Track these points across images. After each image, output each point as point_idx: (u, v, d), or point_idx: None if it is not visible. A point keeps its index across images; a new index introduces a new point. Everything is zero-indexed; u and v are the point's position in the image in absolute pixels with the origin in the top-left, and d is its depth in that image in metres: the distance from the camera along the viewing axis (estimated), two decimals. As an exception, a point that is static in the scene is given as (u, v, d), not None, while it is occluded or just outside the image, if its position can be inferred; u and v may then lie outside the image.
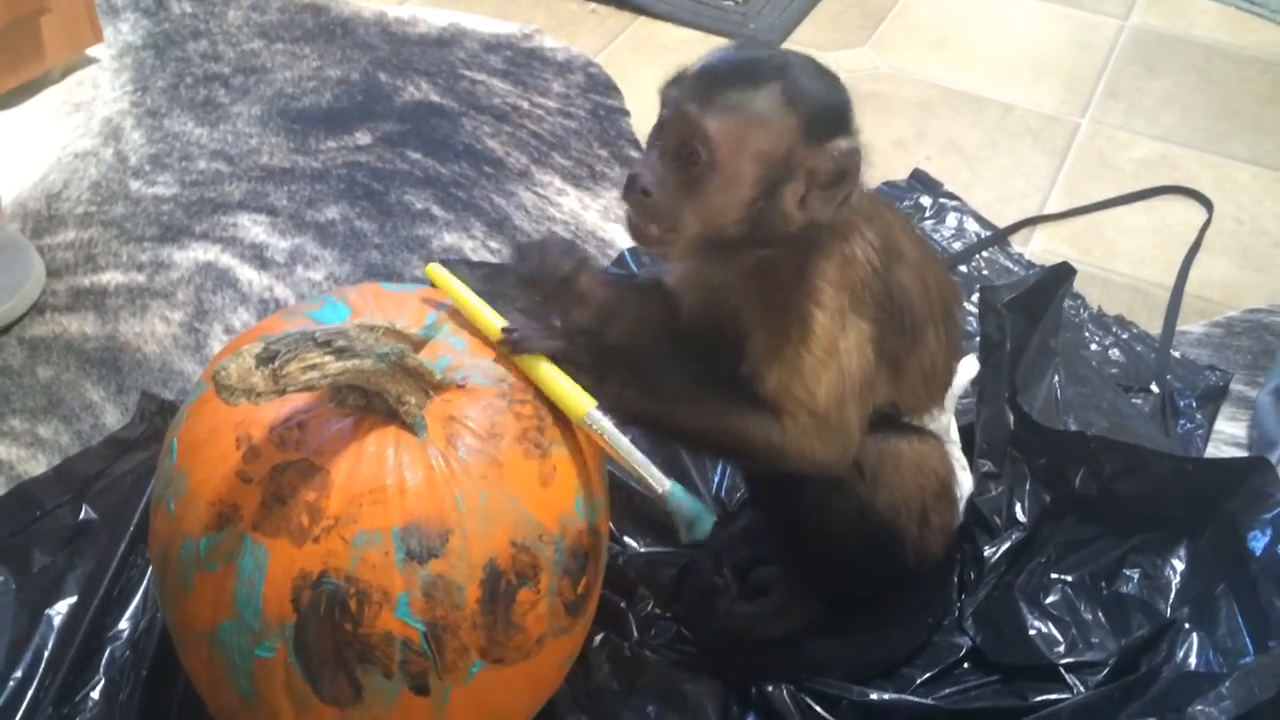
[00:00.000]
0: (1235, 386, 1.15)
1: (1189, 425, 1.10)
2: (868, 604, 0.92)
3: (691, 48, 1.63)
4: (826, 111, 0.73)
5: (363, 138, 1.44)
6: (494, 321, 0.78)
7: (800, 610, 0.92)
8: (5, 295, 1.17)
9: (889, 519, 0.85)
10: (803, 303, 0.76)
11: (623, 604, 0.93)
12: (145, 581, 0.94)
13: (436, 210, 1.34)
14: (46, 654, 0.89)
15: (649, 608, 0.94)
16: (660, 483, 0.74)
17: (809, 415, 0.76)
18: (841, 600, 0.92)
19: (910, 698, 0.87)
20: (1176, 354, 1.18)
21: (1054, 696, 0.85)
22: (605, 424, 0.74)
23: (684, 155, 0.72)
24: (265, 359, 0.65)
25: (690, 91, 0.71)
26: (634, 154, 1.44)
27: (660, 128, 0.73)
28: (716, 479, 1.04)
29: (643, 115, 1.51)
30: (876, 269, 0.77)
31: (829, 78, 0.75)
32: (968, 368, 0.95)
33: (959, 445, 0.97)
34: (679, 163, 0.72)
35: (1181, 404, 1.11)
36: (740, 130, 0.70)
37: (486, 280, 1.20)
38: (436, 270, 0.82)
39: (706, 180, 0.71)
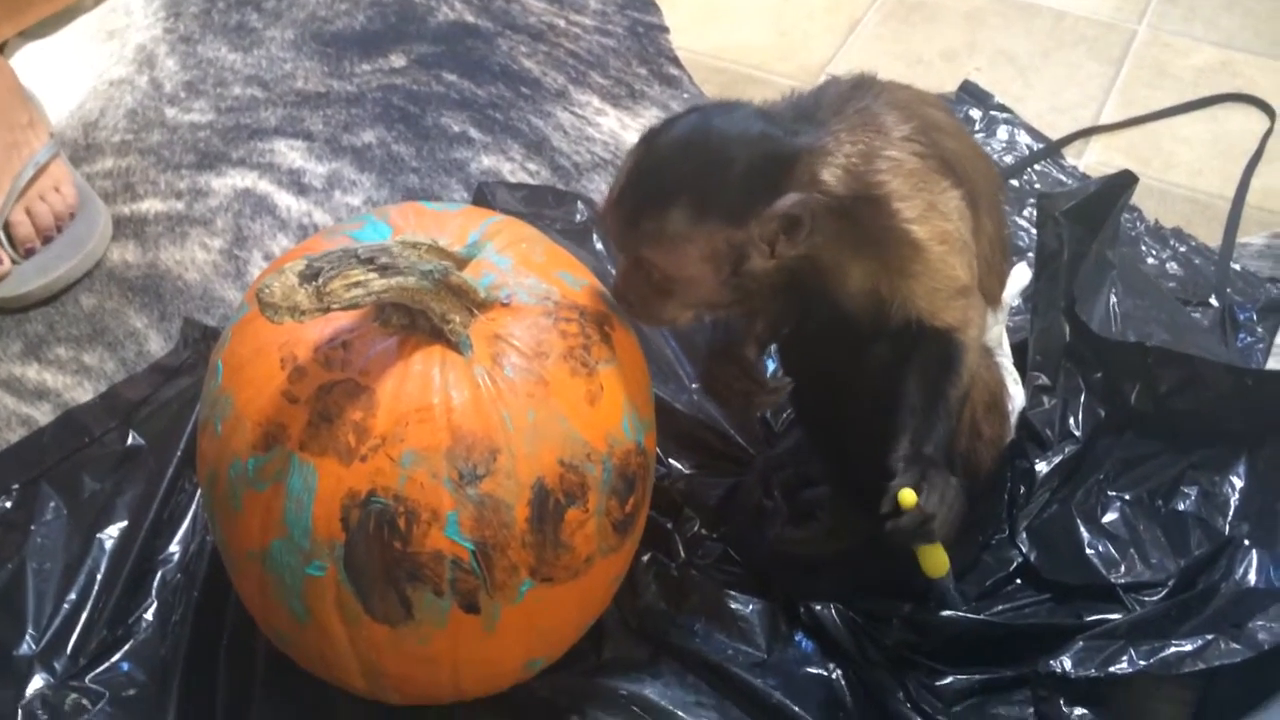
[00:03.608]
0: (1297, 299, 1.11)
1: (1249, 339, 1.07)
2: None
3: (731, -40, 1.58)
4: (747, 192, 0.71)
5: (397, 60, 1.42)
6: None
7: (849, 531, 0.91)
8: (69, 253, 1.14)
9: None
10: (891, 227, 0.74)
11: (669, 525, 0.93)
12: (194, 506, 0.95)
13: (474, 133, 1.32)
14: (99, 577, 0.90)
15: (695, 529, 0.93)
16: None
17: (965, 299, 0.78)
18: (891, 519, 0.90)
19: (961, 613, 0.86)
20: (1237, 266, 1.14)
21: (1109, 616, 0.84)
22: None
23: (643, 271, 0.75)
24: (309, 276, 0.64)
25: (619, 221, 0.74)
26: (674, 71, 1.41)
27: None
28: (762, 399, 1.03)
29: (682, 30, 1.47)
30: (922, 152, 0.75)
31: (748, 141, 0.72)
32: (1018, 276, 0.93)
33: (1010, 358, 0.95)
34: (642, 275, 0.75)
35: (1242, 317, 1.08)
36: (672, 249, 0.73)
37: (525, 202, 1.18)
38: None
39: (671, 287, 0.75)
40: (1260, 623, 0.77)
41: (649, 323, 0.80)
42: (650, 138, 0.75)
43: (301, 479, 0.69)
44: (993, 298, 0.84)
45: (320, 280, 0.65)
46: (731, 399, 0.83)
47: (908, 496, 0.75)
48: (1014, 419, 0.92)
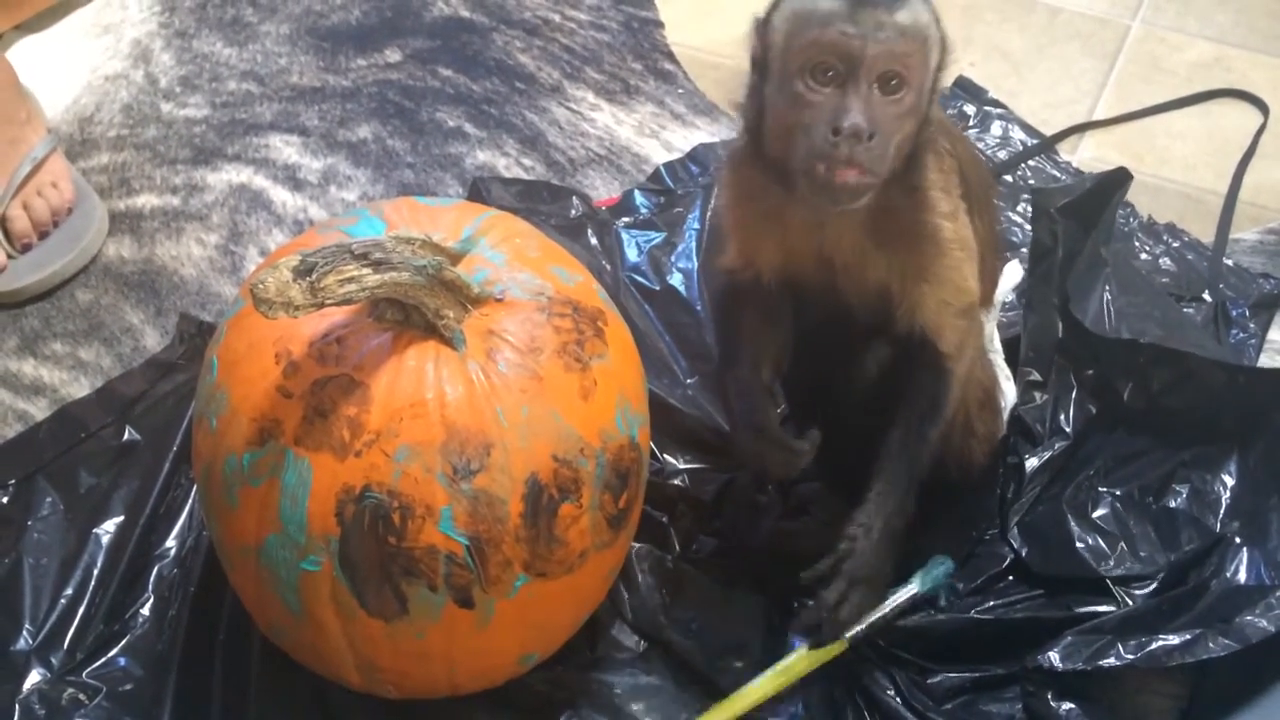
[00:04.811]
0: (1290, 295, 1.12)
1: (1241, 335, 1.07)
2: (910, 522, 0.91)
3: (726, -45, 1.58)
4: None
5: (393, 55, 1.42)
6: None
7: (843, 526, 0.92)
8: (66, 248, 1.14)
9: None
10: (924, 221, 0.75)
11: (664, 519, 0.93)
12: (190, 501, 0.95)
13: (469, 128, 1.32)
14: (96, 572, 0.90)
15: (690, 523, 0.94)
16: (909, 590, 0.84)
17: (967, 321, 0.78)
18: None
19: (951, 613, 0.86)
20: (1229, 262, 1.15)
21: (1100, 609, 0.85)
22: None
23: (889, 85, 0.68)
24: (302, 272, 0.64)
25: (876, 16, 0.67)
26: (669, 67, 1.41)
27: (844, 58, 0.67)
28: (756, 395, 1.03)
29: (676, 26, 1.47)
30: (950, 150, 0.76)
31: None
32: (1010, 274, 0.93)
33: (1002, 355, 0.95)
34: (885, 94, 0.68)
35: (1234, 313, 1.08)
36: (925, 46, 0.69)
37: (520, 198, 1.18)
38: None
39: (907, 106, 0.69)
40: (1249, 617, 0.78)
41: (855, 176, 0.69)
42: None
43: (296, 474, 0.69)
44: (983, 298, 0.85)
45: (314, 276, 0.65)
46: (772, 469, 0.83)
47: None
48: (1005, 415, 0.93)
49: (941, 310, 0.77)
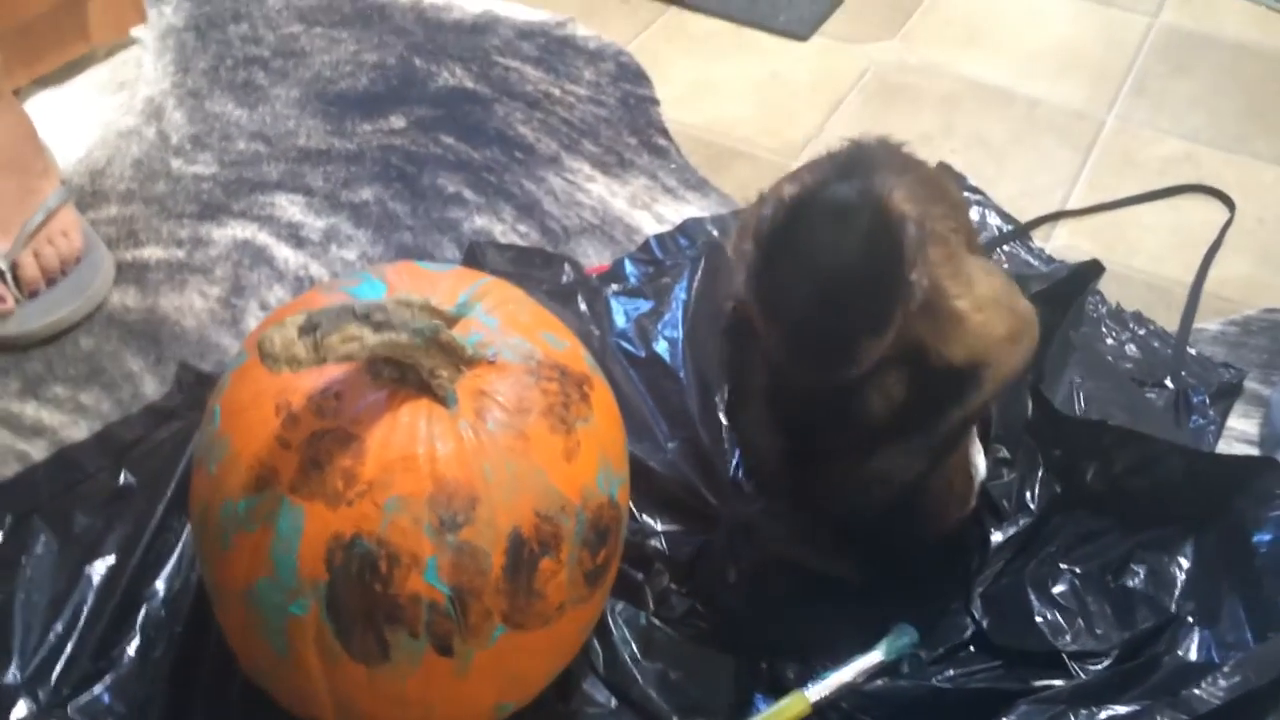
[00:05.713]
0: (1249, 384, 1.16)
1: (1201, 421, 1.11)
2: (878, 588, 0.94)
3: (721, 38, 1.65)
4: (895, 286, 0.75)
5: (397, 121, 1.47)
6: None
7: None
8: (72, 296, 1.18)
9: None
10: (940, 305, 0.80)
11: (640, 577, 0.96)
12: (180, 545, 0.98)
13: (468, 194, 1.37)
14: (85, 611, 0.93)
15: (665, 582, 0.96)
16: (874, 658, 0.89)
17: (1006, 345, 0.83)
18: (853, 586, 0.94)
19: (912, 681, 0.89)
20: (1192, 351, 1.19)
21: (1055, 682, 0.88)
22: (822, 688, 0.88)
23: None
24: (308, 330, 0.68)
25: (812, 370, 0.77)
26: (663, 142, 1.46)
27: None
28: (735, 461, 1.07)
29: (672, 104, 1.53)
30: (955, 228, 0.83)
31: (885, 232, 0.75)
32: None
33: (974, 429, 0.99)
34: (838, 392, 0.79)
35: (1195, 400, 1.13)
36: (868, 361, 0.75)
37: (514, 263, 1.22)
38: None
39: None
40: (1196, 691, 0.81)
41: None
42: (785, 283, 0.75)
43: (290, 521, 0.72)
44: None
45: (319, 334, 0.69)
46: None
47: None
48: (975, 486, 0.97)
49: (970, 350, 0.82)
